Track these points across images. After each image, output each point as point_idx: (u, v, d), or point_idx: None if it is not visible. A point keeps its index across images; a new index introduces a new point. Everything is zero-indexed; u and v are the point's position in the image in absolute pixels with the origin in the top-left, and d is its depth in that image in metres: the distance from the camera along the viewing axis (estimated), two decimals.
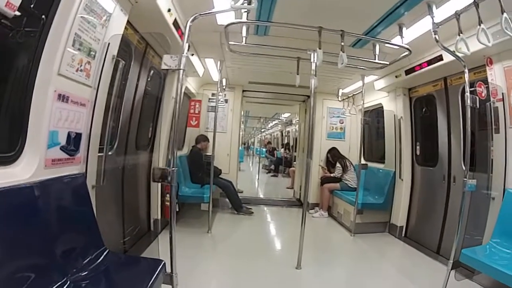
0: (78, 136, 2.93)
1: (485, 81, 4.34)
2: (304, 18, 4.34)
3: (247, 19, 4.25)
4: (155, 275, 2.75)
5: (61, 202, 2.71)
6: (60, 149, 2.71)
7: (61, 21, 2.51)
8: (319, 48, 4.31)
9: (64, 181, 2.77)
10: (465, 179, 3.82)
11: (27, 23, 2.33)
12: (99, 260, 2.87)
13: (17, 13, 2.02)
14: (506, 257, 3.61)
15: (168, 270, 3.11)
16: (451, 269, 3.81)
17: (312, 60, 4.68)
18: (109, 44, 3.14)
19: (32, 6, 2.34)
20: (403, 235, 6.60)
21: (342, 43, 4.29)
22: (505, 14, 2.94)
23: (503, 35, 3.15)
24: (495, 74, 4.21)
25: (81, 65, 2.78)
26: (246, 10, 4.01)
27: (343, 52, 4.26)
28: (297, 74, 5.70)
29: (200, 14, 3.38)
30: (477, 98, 3.96)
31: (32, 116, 2.45)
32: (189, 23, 3.30)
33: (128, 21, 3.56)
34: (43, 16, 2.45)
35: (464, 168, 4.00)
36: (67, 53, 2.56)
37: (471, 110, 3.86)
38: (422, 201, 6.41)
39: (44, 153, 2.52)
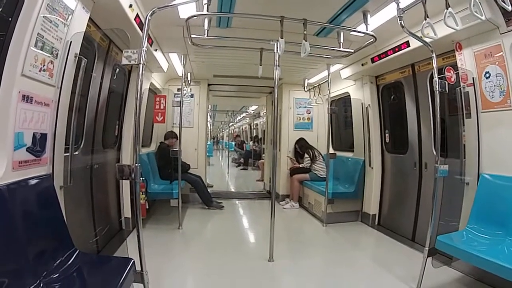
0: (44, 136, 2.87)
1: (454, 66, 4.30)
2: (266, 8, 4.33)
3: (208, 11, 4.16)
4: (124, 274, 2.71)
5: (29, 204, 2.67)
6: (27, 150, 2.66)
7: (24, 21, 2.47)
8: (281, 38, 4.26)
9: (32, 183, 2.73)
10: (436, 165, 3.79)
11: None
12: (69, 262, 2.83)
13: None
14: (485, 243, 3.58)
15: (138, 268, 3.08)
16: (428, 257, 3.78)
17: (275, 51, 4.65)
18: (71, 42, 3.07)
19: (0, 10, 2.36)
20: (376, 223, 6.63)
21: (305, 32, 4.26)
22: None
23: (472, 19, 3.13)
24: (465, 59, 4.21)
25: (44, 65, 2.72)
26: (207, 2, 3.99)
27: (306, 41, 4.25)
28: (260, 65, 5.68)
29: (159, 8, 3.35)
30: (446, 83, 3.92)
31: None
32: (148, 17, 3.28)
33: (90, 19, 3.49)
34: (10, 19, 2.42)
35: (435, 154, 3.98)
36: (30, 53, 2.52)
37: (440, 95, 3.83)
38: (394, 188, 6.44)
39: (11, 155, 2.47)
